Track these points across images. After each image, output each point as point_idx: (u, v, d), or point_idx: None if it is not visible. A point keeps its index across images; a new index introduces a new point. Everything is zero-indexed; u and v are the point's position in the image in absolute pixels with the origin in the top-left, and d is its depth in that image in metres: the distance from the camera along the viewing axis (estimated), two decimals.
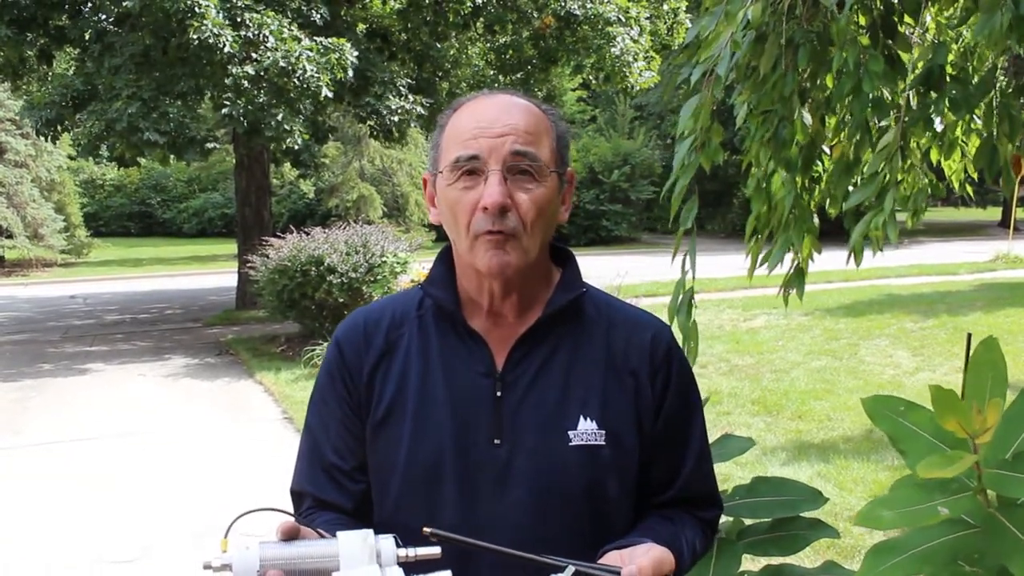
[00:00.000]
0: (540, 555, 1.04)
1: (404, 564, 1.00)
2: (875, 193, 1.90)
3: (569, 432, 1.22)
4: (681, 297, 2.14)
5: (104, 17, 9.85)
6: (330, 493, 1.26)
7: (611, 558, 1.09)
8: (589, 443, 1.22)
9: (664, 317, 1.97)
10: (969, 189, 2.68)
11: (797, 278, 2.30)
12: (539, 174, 1.19)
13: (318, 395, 1.34)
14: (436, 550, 1.03)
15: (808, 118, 2.10)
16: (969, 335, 2.63)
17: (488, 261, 1.18)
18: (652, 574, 1.04)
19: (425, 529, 1.01)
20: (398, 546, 1.01)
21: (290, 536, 1.03)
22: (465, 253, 1.22)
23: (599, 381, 1.25)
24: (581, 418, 1.23)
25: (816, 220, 2.34)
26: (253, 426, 6.99)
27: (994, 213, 31.13)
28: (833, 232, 2.22)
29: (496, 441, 1.22)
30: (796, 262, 2.29)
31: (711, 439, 1.90)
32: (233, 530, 1.01)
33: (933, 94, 1.92)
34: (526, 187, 1.18)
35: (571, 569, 0.99)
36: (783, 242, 2.20)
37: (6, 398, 8.03)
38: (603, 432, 1.23)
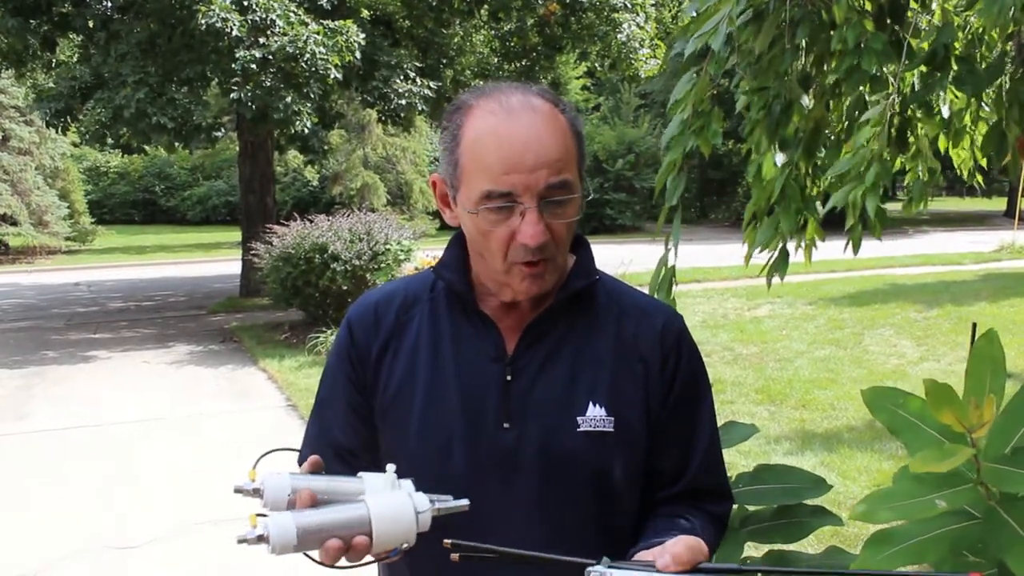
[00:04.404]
0: (570, 556, 1.03)
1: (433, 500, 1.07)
2: (860, 166, 1.87)
3: (578, 418, 1.22)
4: (663, 274, 2.12)
5: (109, 4, 9.82)
6: (336, 468, 1.25)
7: (642, 556, 1.07)
8: (597, 429, 1.22)
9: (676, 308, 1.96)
10: (979, 178, 2.65)
11: (781, 262, 2.27)
12: (570, 199, 1.18)
13: (328, 373, 1.35)
14: (457, 501, 1.09)
15: (806, 100, 2.08)
16: (974, 325, 2.62)
17: (527, 289, 1.19)
18: (687, 559, 1.01)
19: (446, 541, 1.04)
20: (416, 491, 1.07)
21: (316, 471, 1.10)
22: (498, 274, 1.21)
23: (609, 367, 1.25)
24: (590, 404, 1.22)
25: (820, 207, 2.32)
26: (257, 413, 7.01)
27: (999, 203, 31.01)
28: (838, 221, 2.20)
29: (505, 425, 1.23)
30: (781, 245, 2.26)
31: None
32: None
33: (938, 74, 1.91)
34: (559, 212, 1.17)
35: (607, 560, 1.00)
36: (769, 224, 2.18)
37: (10, 384, 8.06)
38: (612, 419, 1.22)
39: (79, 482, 5.37)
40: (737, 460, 4.75)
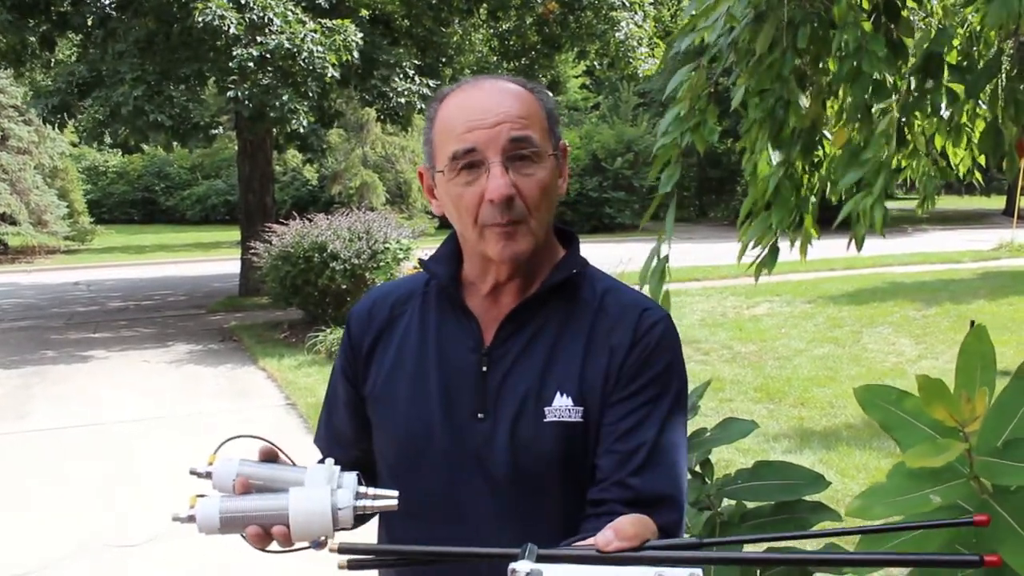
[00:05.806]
0: (491, 548, 0.97)
1: (361, 497, 1.10)
2: (872, 175, 1.88)
3: (545, 408, 1.22)
4: (655, 263, 2.10)
5: (107, 2, 9.83)
6: (335, 452, 1.34)
7: (582, 545, 0.98)
8: (563, 419, 1.21)
9: (673, 307, 1.95)
10: (978, 175, 2.64)
11: (770, 257, 2.27)
12: (537, 157, 1.20)
13: (333, 367, 1.44)
14: (387, 500, 1.11)
15: (804, 101, 2.09)
16: (972, 323, 2.63)
17: (500, 251, 1.20)
18: (632, 534, 0.92)
19: (332, 545, 1.02)
20: (359, 484, 1.10)
21: (267, 458, 1.17)
22: (474, 243, 1.23)
23: (580, 357, 1.24)
24: (558, 394, 1.22)
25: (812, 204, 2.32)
26: (256, 412, 7.02)
27: (998, 201, 31.00)
28: (835, 218, 2.20)
29: (480, 415, 1.24)
30: (773, 241, 2.26)
31: (712, 426, 1.90)
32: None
33: (931, 82, 1.91)
34: (527, 172, 1.19)
35: (533, 549, 0.89)
36: (762, 220, 2.18)
37: (10, 384, 8.06)
38: (580, 409, 1.22)
39: (79, 481, 5.38)
40: (736, 457, 4.76)
